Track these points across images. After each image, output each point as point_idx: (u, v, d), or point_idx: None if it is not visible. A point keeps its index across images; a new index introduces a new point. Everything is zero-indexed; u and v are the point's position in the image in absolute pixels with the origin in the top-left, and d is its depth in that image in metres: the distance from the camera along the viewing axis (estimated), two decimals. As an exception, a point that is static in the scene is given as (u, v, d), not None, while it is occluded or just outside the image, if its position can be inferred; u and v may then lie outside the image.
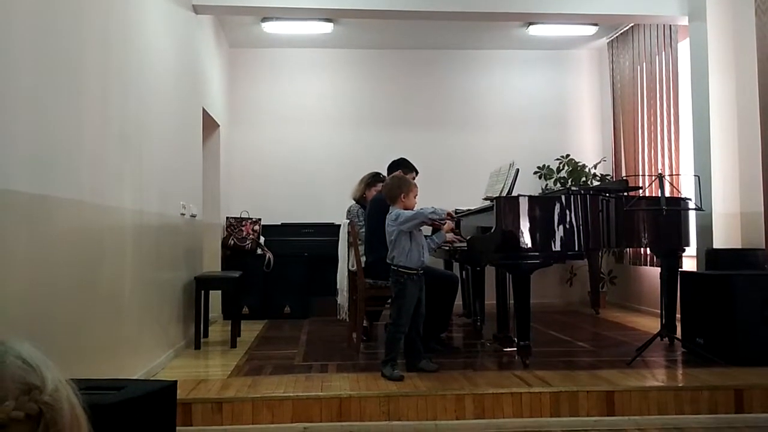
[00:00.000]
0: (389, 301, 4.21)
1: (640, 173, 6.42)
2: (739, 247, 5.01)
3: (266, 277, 6.57)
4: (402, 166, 4.90)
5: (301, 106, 7.50)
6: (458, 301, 5.49)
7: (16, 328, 2.29)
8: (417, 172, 4.93)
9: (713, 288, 4.13)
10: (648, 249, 6.04)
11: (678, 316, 4.57)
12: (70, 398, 0.71)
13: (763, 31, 4.71)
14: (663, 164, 6.11)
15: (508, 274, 4.49)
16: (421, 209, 3.84)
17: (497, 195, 4.20)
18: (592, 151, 7.66)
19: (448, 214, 3.98)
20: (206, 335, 5.24)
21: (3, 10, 2.26)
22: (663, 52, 6.18)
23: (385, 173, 5.11)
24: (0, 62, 2.23)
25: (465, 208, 5.14)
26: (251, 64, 7.48)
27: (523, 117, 7.66)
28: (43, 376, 0.69)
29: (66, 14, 2.79)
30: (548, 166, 7.44)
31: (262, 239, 6.78)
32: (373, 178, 5.32)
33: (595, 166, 7.34)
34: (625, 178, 6.43)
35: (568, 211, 3.95)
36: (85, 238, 2.97)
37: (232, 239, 6.66)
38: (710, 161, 5.14)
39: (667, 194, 4.24)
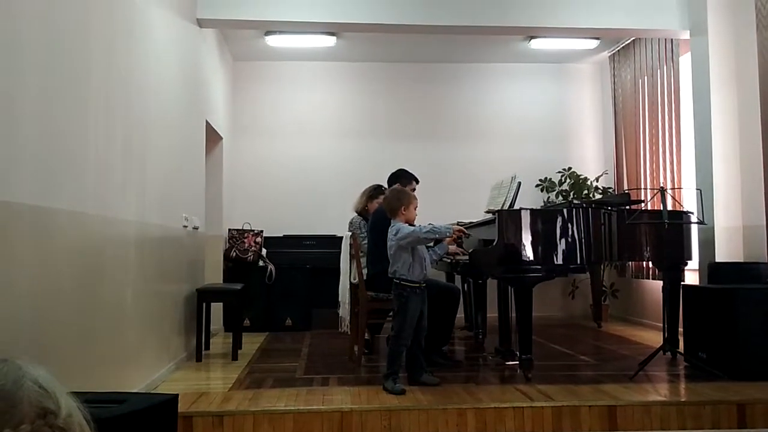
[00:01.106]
0: (391, 313, 4.20)
1: (642, 186, 6.42)
2: (742, 260, 5.01)
3: (268, 290, 6.56)
4: (401, 177, 4.91)
5: (303, 119, 7.53)
6: (460, 314, 5.48)
7: (19, 338, 2.29)
8: (417, 181, 4.94)
9: (716, 302, 4.12)
10: (650, 262, 6.03)
11: (681, 329, 4.55)
12: (82, 424, 0.73)
13: (764, 45, 4.73)
14: (665, 178, 6.12)
15: (509, 287, 4.49)
16: (416, 229, 3.79)
17: (499, 208, 4.21)
18: (593, 164, 7.67)
19: (458, 230, 3.94)
20: (207, 347, 5.23)
21: (10, 23, 2.28)
22: (664, 66, 6.20)
23: (386, 186, 5.13)
24: (6, 74, 2.25)
25: (467, 221, 5.13)
26: (254, 77, 7.51)
27: (525, 130, 7.68)
28: (58, 402, 0.70)
29: (71, 27, 2.81)
30: (550, 179, 7.45)
31: (264, 251, 6.79)
32: (375, 191, 5.33)
33: (597, 179, 7.35)
34: (627, 191, 6.44)
35: (570, 225, 3.95)
36: (88, 249, 2.98)
37: (234, 251, 6.66)
38: (712, 175, 5.15)
39: (669, 208, 4.25)
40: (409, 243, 3.78)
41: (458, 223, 4.83)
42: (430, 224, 3.84)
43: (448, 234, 3.87)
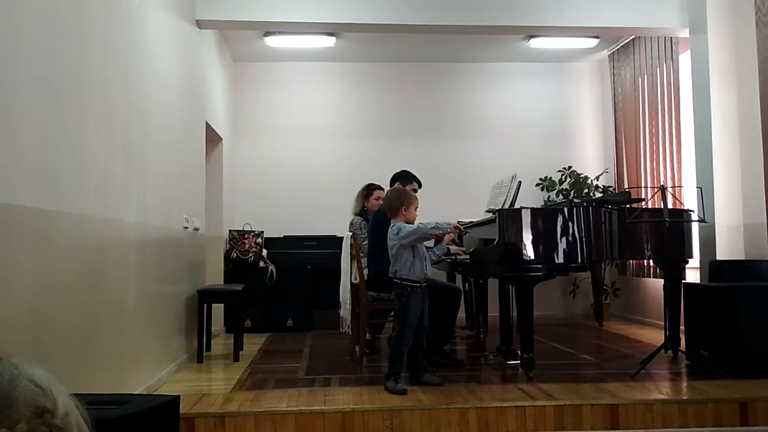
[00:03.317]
0: (392, 313, 4.20)
1: (643, 185, 6.42)
2: (743, 258, 5.00)
3: (269, 290, 6.56)
4: (402, 178, 4.91)
5: (303, 119, 7.53)
6: (461, 313, 5.47)
7: (20, 341, 2.29)
8: (420, 184, 4.93)
9: (717, 300, 4.12)
10: (651, 261, 6.03)
11: (682, 328, 4.55)
12: (80, 422, 0.72)
13: (763, 42, 4.72)
14: (665, 176, 6.11)
15: (511, 287, 4.49)
16: (421, 224, 3.81)
17: (500, 207, 4.21)
18: (594, 163, 7.67)
19: (455, 227, 3.97)
20: (209, 349, 5.23)
21: (8, 25, 2.28)
22: (664, 64, 6.20)
23: (384, 185, 5.14)
24: (5, 77, 2.25)
25: (467, 221, 5.14)
26: (254, 78, 7.52)
27: (525, 129, 7.68)
28: (55, 400, 0.70)
29: (69, 29, 2.81)
30: (550, 178, 7.45)
31: (264, 252, 6.79)
32: (368, 189, 5.41)
33: (597, 178, 7.35)
34: (627, 189, 6.44)
35: (570, 223, 3.95)
36: (89, 251, 2.98)
37: (235, 252, 6.66)
38: (712, 173, 5.15)
39: (670, 206, 4.24)
40: (413, 240, 3.78)
41: (459, 223, 4.83)
42: (434, 221, 3.85)
43: (448, 230, 3.89)
